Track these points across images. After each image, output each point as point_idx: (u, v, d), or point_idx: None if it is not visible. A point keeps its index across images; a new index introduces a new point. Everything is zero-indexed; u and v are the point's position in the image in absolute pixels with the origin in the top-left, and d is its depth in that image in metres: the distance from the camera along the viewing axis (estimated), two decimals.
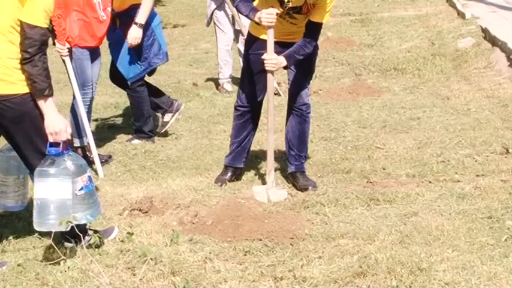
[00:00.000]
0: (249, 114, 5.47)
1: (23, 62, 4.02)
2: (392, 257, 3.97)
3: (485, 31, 10.26)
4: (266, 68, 5.04)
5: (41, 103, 4.10)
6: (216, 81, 9.37)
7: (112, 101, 8.50)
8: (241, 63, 5.71)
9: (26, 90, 4.04)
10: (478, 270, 3.82)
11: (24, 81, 4.03)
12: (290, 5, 5.04)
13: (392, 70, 9.58)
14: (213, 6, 8.83)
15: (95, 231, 4.39)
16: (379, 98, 8.26)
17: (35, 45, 4.02)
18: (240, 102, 5.42)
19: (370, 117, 7.33)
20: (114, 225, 4.59)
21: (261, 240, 4.34)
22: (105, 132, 7.26)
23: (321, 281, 3.79)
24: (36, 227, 4.05)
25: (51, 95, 4.11)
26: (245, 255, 4.17)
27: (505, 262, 3.90)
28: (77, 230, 4.09)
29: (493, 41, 9.68)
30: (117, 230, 4.47)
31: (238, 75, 8.60)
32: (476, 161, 5.73)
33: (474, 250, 4.10)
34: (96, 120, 7.59)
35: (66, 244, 4.26)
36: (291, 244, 4.30)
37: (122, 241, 4.32)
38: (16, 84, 4.02)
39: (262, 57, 5.04)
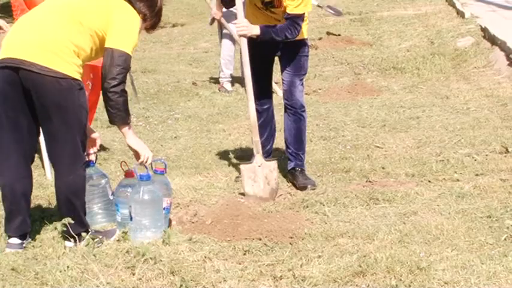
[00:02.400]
0: (266, 113, 5.50)
1: (110, 88, 4.10)
2: (391, 256, 3.96)
3: (484, 30, 10.27)
4: (238, 33, 5.20)
5: (123, 130, 4.25)
6: (215, 81, 9.37)
7: None
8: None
9: (77, 76, 4.07)
10: (478, 269, 3.82)
11: (77, 67, 4.07)
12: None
13: (391, 69, 9.58)
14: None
15: (96, 233, 4.39)
16: (379, 97, 8.26)
17: (122, 73, 4.11)
18: (256, 101, 5.44)
19: (369, 117, 7.33)
20: (115, 226, 4.60)
21: (260, 239, 4.34)
22: (104, 131, 7.25)
23: (320, 280, 3.79)
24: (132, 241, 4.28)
25: (130, 121, 4.29)
26: (244, 254, 4.16)
27: (504, 261, 3.89)
28: (71, 231, 4.18)
29: (493, 40, 9.69)
30: (118, 232, 4.47)
31: (239, 75, 8.65)
32: (475, 160, 5.73)
33: (473, 249, 4.10)
34: (95, 119, 7.58)
35: (66, 243, 4.27)
36: (291, 243, 4.29)
37: (118, 240, 4.32)
38: (69, 65, 4.03)
39: (235, 22, 5.27)
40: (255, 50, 5.27)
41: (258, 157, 5.19)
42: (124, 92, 4.17)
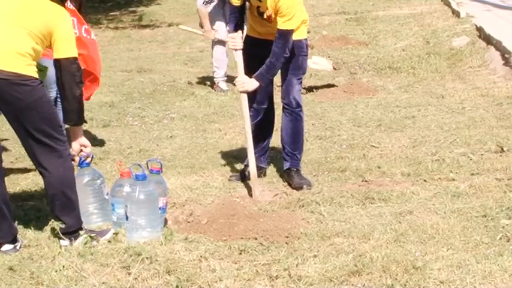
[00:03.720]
0: (262, 113, 5.50)
1: (80, 95, 4.29)
2: (387, 255, 3.97)
3: (480, 30, 10.28)
4: (239, 90, 5.25)
5: (79, 128, 4.42)
6: (211, 80, 9.36)
7: (107, 99, 8.49)
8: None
9: (37, 75, 4.16)
10: (473, 268, 3.83)
11: (35, 67, 4.16)
12: (260, 10, 5.21)
13: (387, 69, 9.59)
14: (209, 8, 8.86)
15: (90, 232, 4.39)
16: (374, 96, 8.26)
17: (81, 76, 4.30)
18: (251, 102, 5.44)
19: (365, 116, 7.34)
20: (110, 227, 4.59)
21: (256, 239, 4.34)
22: (100, 131, 7.25)
23: (316, 279, 3.79)
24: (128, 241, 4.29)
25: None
26: (240, 254, 4.16)
27: (499, 260, 3.90)
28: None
29: (488, 39, 9.70)
30: (112, 231, 4.47)
31: (233, 74, 8.64)
32: (471, 159, 5.74)
33: (469, 249, 4.11)
34: (91, 119, 7.58)
35: (61, 243, 4.27)
36: (286, 243, 4.30)
37: (109, 242, 4.32)
38: (31, 67, 4.12)
39: (235, 80, 5.31)
40: (254, 49, 5.28)
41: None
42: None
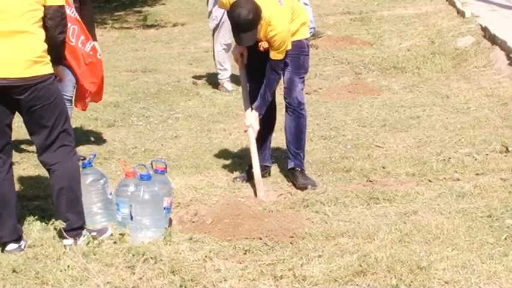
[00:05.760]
0: (266, 112, 5.50)
1: (63, 40, 4.30)
2: (392, 255, 3.97)
3: (485, 30, 10.26)
4: (249, 134, 5.33)
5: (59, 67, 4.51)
6: (215, 80, 9.36)
7: (112, 99, 8.49)
8: None
9: (52, 71, 4.25)
10: (478, 268, 3.83)
11: (49, 61, 4.23)
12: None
13: (392, 69, 9.56)
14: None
15: (90, 231, 4.40)
16: (379, 96, 8.25)
17: (66, 24, 4.32)
18: (253, 101, 5.45)
19: (369, 116, 7.33)
20: (108, 225, 4.60)
21: (260, 239, 4.35)
22: (105, 131, 7.26)
23: (320, 279, 3.79)
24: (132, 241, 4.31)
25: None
26: (245, 254, 4.17)
27: (504, 261, 3.90)
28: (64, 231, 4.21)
29: (493, 39, 9.68)
30: (110, 230, 4.49)
31: (238, 73, 8.64)
32: (476, 159, 5.73)
33: (474, 249, 4.11)
34: (96, 119, 7.59)
35: (65, 242, 4.28)
36: (291, 243, 4.30)
37: (115, 242, 4.32)
38: (49, 64, 4.21)
39: (244, 125, 5.42)
40: (254, 49, 5.29)
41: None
42: None
